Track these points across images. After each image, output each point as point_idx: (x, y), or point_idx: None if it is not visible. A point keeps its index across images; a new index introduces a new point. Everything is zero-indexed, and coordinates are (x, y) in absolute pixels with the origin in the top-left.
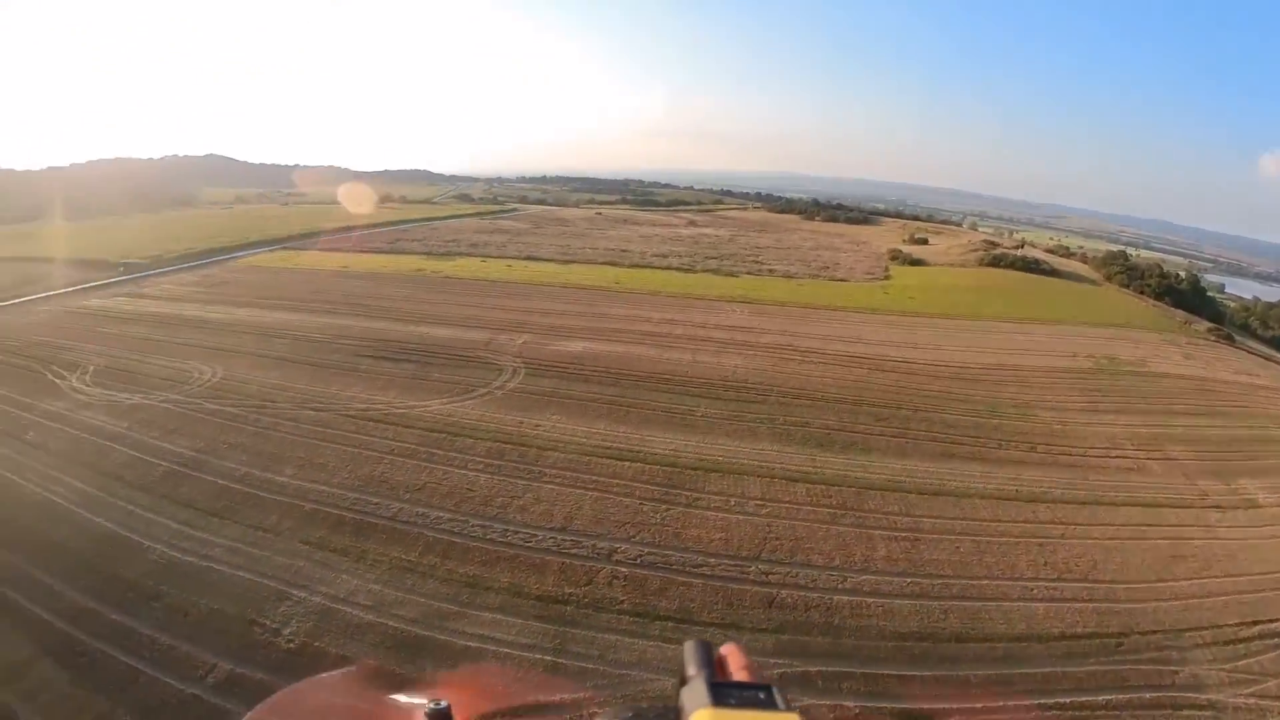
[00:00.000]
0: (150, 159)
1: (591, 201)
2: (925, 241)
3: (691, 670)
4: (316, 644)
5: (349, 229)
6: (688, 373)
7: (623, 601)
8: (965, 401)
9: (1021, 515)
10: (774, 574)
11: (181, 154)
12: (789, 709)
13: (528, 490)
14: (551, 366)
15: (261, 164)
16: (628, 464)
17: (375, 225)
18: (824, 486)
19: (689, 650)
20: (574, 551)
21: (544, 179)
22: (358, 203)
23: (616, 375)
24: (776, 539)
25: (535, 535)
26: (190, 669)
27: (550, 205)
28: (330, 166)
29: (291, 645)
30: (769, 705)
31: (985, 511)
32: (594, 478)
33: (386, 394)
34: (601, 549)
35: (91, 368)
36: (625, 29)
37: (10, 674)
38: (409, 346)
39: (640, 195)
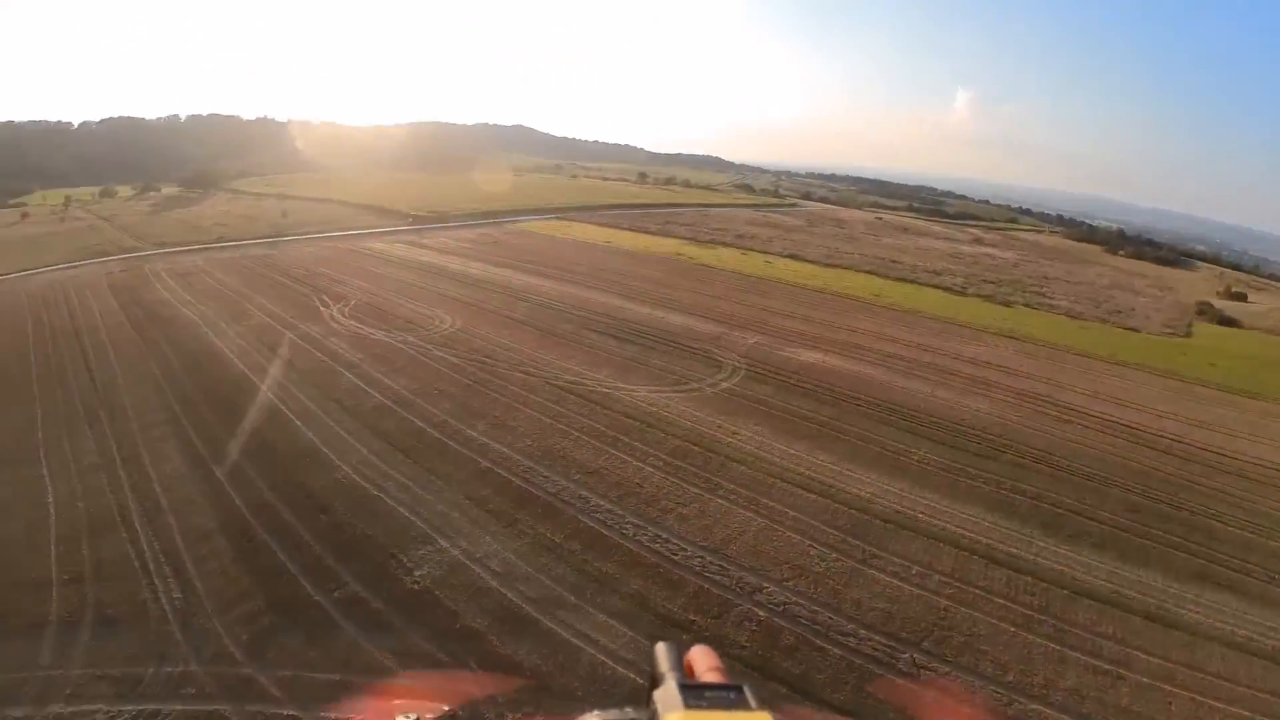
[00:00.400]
0: (464, 125)
1: (876, 205)
2: (1244, 298)
3: (662, 672)
4: (437, 593)
5: (624, 206)
6: (920, 407)
7: (744, 648)
8: (1244, 509)
9: (1272, 683)
10: (929, 669)
11: (492, 122)
12: (760, 708)
13: (696, 500)
14: (775, 373)
15: (562, 137)
16: (813, 497)
17: (651, 205)
18: (1030, 579)
19: (659, 652)
20: (717, 578)
21: (832, 176)
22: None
23: (840, 396)
24: (948, 629)
25: (684, 550)
26: (325, 580)
27: (832, 204)
28: (626, 145)
29: (416, 587)
30: (741, 705)
31: (1223, 666)
32: (770, 504)
33: (599, 371)
34: (747, 584)
35: (353, 301)
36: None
37: (194, 536)
38: (639, 328)
39: (928, 204)
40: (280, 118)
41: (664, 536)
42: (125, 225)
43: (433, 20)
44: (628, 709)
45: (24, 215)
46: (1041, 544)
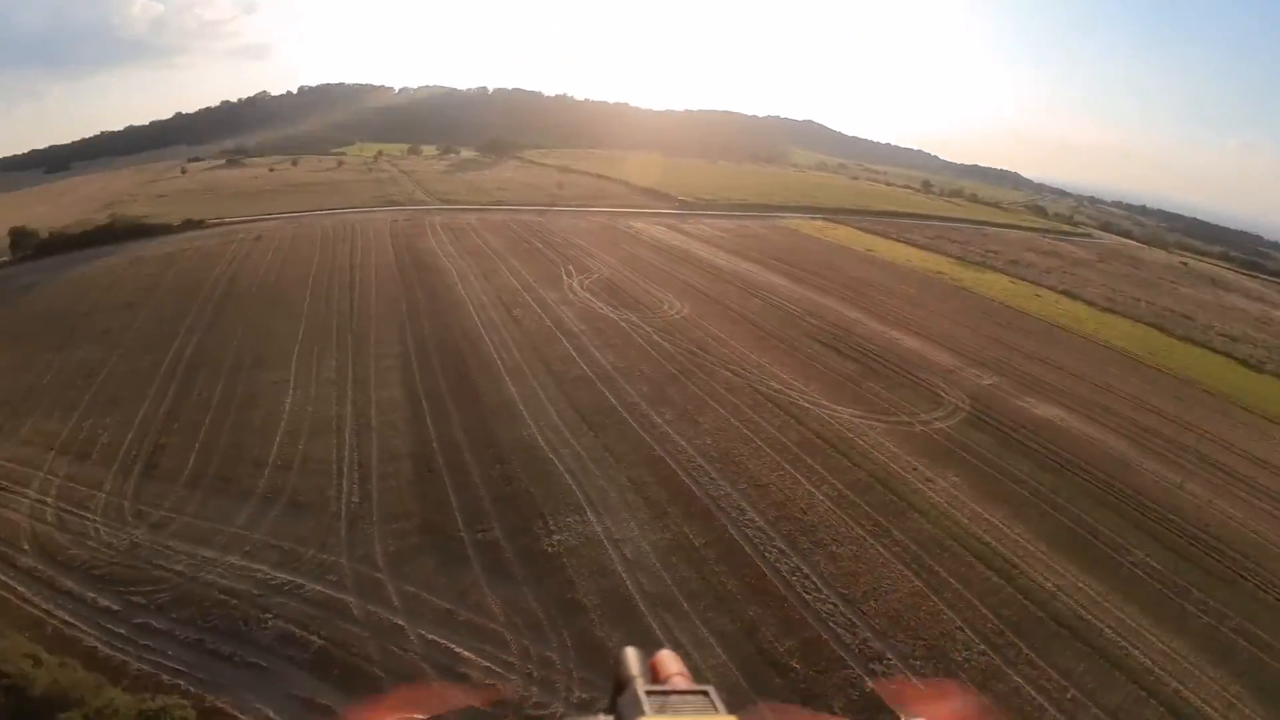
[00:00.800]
0: (755, 116)
1: (1184, 247)
2: None
3: (626, 678)
4: (565, 560)
5: (899, 214)
6: (1159, 499)
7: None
8: None
9: None
10: None
11: (784, 116)
12: (727, 712)
13: (855, 542)
14: (1000, 422)
15: (853, 137)
16: (988, 574)
17: (929, 217)
18: None
19: (623, 658)
20: (840, 632)
21: (1143, 209)
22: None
23: (1066, 463)
24: None
25: (819, 591)
26: (476, 521)
27: (1134, 241)
28: (920, 151)
29: (549, 550)
30: (707, 709)
31: None
32: (937, 568)
33: (809, 384)
34: (870, 649)
35: (595, 275)
36: None
37: (387, 455)
38: (867, 346)
39: (1248, 253)
40: (578, 96)
41: (804, 570)
42: (421, 180)
43: (735, 11)
44: (599, 715)
45: (340, 163)
46: (1250, 710)
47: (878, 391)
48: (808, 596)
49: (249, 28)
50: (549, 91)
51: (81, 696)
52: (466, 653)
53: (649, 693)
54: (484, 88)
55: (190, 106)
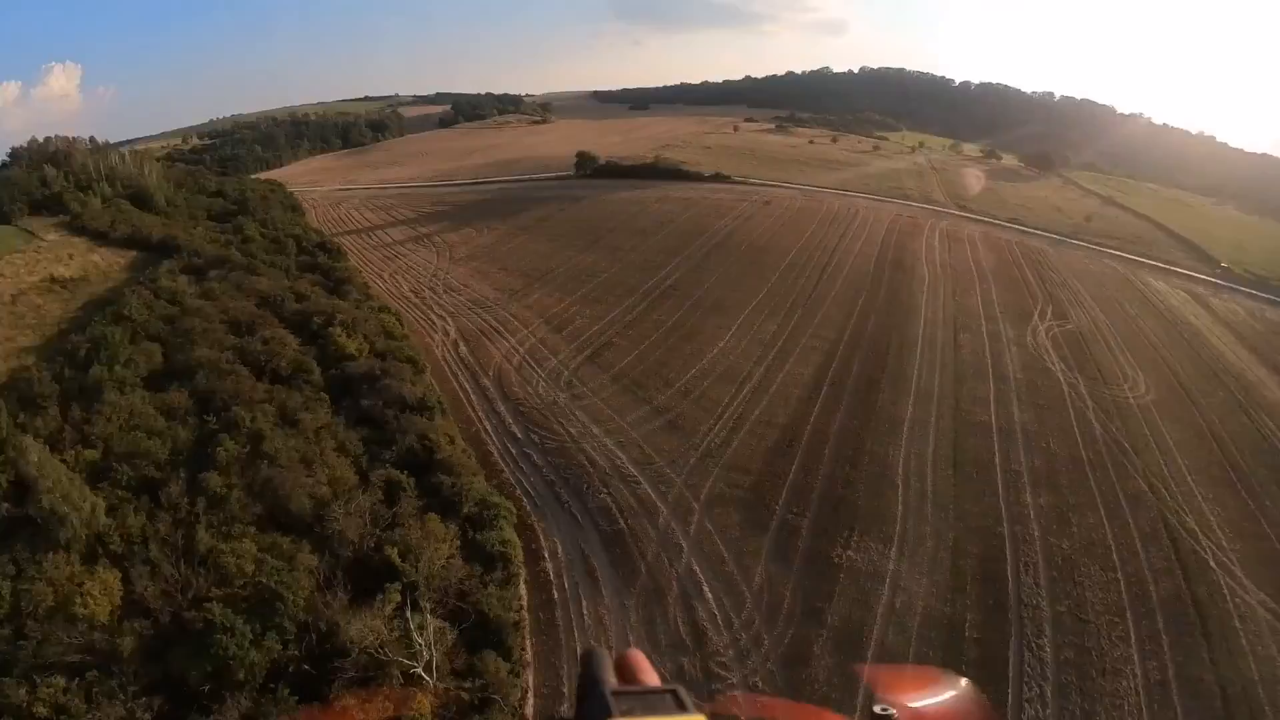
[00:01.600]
0: None
1: None
2: None
3: (592, 679)
4: (840, 575)
5: None
6: None
7: None
8: None
9: None
10: None
11: None
12: (694, 710)
13: None
14: None
15: None
16: None
17: None
18: None
19: (589, 658)
20: None
21: None
22: None
23: None
24: None
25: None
26: (795, 504)
27: None
28: None
29: (835, 560)
30: (674, 709)
31: None
32: None
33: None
34: None
35: (1068, 326)
36: None
37: (760, 421)
38: None
39: None
40: (1155, 119)
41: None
42: (947, 180)
43: None
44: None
45: (876, 147)
46: None
47: None
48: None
49: (831, 2)
50: (1123, 107)
51: (463, 473)
52: (709, 595)
53: (616, 693)
54: (1050, 93)
55: (759, 72)
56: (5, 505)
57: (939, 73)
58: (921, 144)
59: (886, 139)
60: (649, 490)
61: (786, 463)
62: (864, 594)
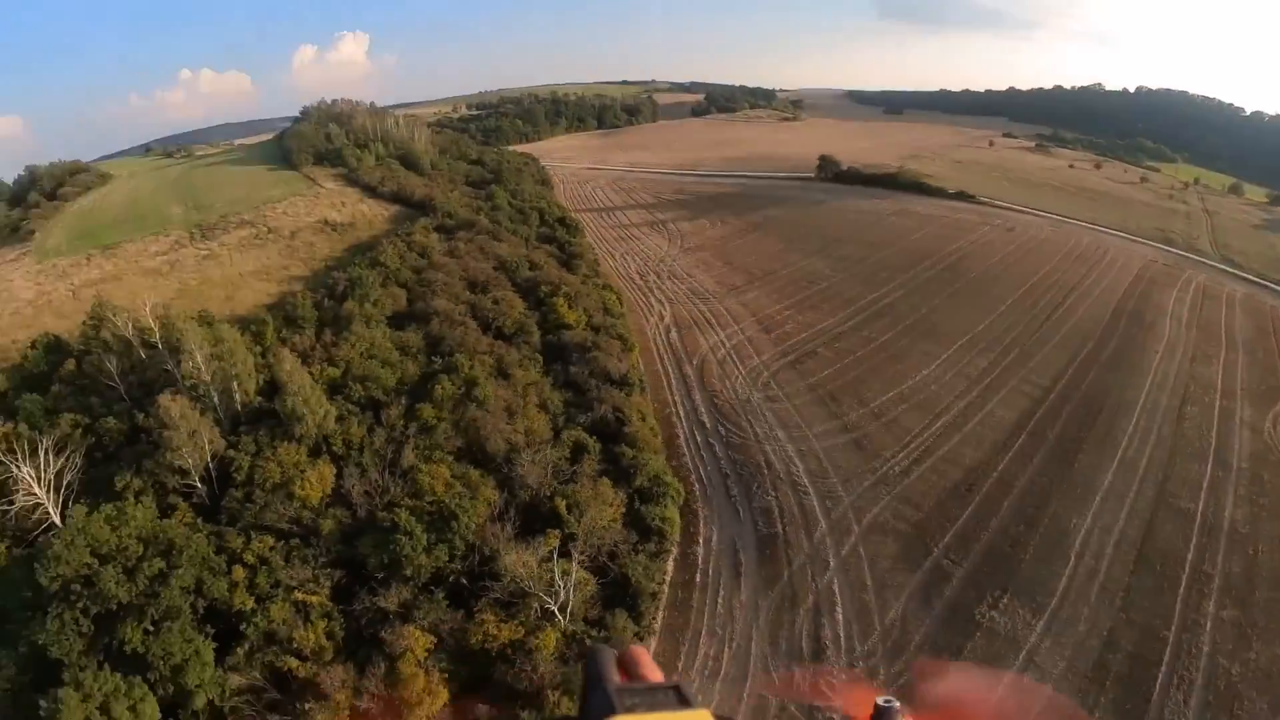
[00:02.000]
0: None
1: None
2: None
3: (596, 677)
4: (977, 636)
5: None
6: None
7: None
8: None
9: None
10: None
11: None
12: (698, 706)
13: None
14: None
15: None
16: None
17: None
18: None
19: (591, 658)
20: None
21: None
22: None
23: None
24: None
25: None
26: (954, 551)
27: None
28: None
29: (976, 618)
30: (677, 704)
31: None
32: None
33: None
34: None
35: None
36: None
37: (946, 459)
38: None
39: None
40: None
41: None
42: (1218, 226)
43: None
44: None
45: (1143, 178)
46: None
47: None
48: None
49: (1106, 10)
50: None
51: (644, 449)
52: (840, 616)
53: (620, 690)
54: None
55: (1024, 83)
56: (259, 399)
57: (1227, 99)
58: (1197, 180)
59: (1158, 170)
60: (815, 503)
61: (960, 507)
62: (994, 658)
